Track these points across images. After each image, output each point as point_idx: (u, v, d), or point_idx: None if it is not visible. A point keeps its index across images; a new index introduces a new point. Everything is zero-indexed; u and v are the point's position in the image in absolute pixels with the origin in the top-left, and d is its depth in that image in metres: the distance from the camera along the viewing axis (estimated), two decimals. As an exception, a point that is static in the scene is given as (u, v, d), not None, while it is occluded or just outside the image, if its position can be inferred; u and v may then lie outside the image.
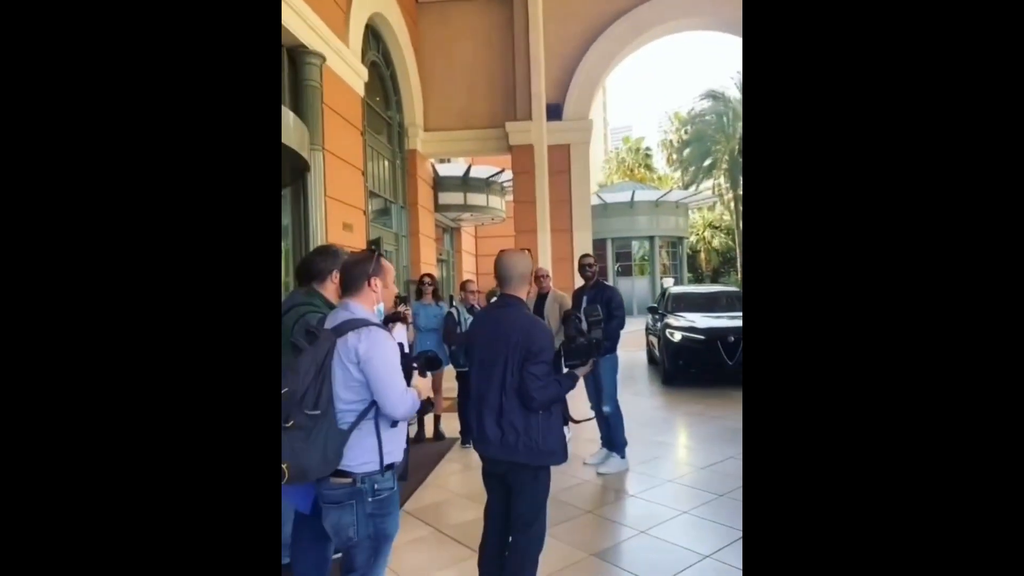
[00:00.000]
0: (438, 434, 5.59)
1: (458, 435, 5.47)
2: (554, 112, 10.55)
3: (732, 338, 7.49)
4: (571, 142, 10.77)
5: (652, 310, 9.89)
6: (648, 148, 41.90)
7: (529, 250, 2.71)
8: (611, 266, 25.35)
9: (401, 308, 2.19)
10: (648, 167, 40.80)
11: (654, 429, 5.73)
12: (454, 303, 5.50)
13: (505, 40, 10.62)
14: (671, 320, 8.28)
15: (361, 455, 1.85)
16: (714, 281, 30.86)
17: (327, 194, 6.55)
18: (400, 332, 2.06)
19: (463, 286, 5.62)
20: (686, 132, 35.78)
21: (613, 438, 4.56)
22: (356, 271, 1.98)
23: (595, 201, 21.45)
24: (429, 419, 5.64)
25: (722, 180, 32.40)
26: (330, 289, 2.49)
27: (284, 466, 1.72)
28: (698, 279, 32.33)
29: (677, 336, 7.90)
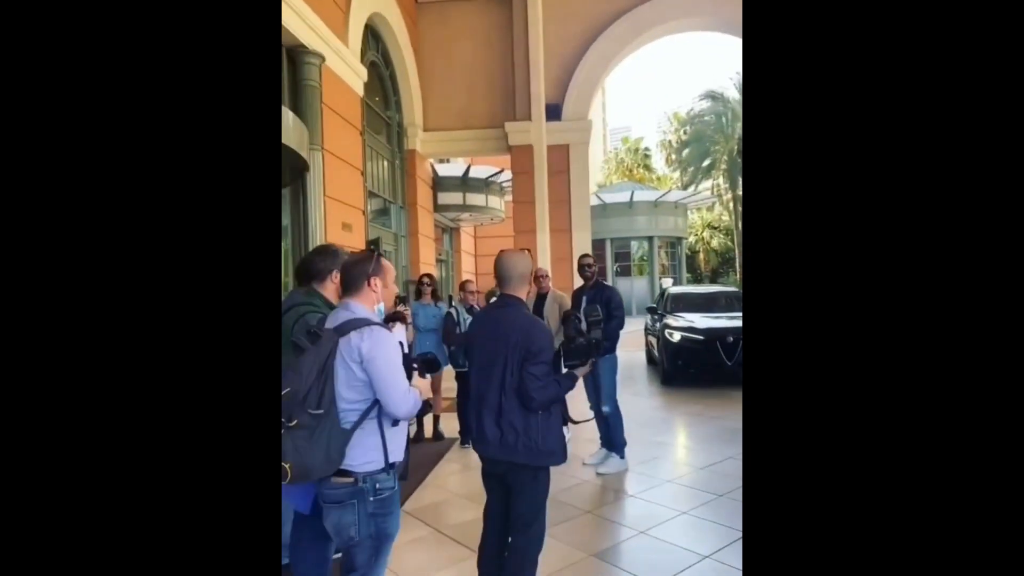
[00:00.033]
0: (437, 434, 5.59)
1: (457, 435, 5.47)
2: (553, 112, 10.55)
3: (731, 338, 7.50)
4: (570, 142, 10.77)
5: (651, 310, 9.90)
6: (647, 148, 41.94)
7: (529, 250, 2.71)
8: (610, 266, 25.37)
9: (400, 308, 2.19)
10: (647, 167, 40.83)
11: (653, 429, 5.74)
12: (453, 303, 5.50)
13: (504, 40, 10.62)
14: (670, 320, 8.28)
15: (364, 454, 1.85)
16: (713, 281, 30.88)
17: (326, 194, 6.54)
18: (399, 332, 2.06)
19: (462, 286, 5.62)
20: (685, 132, 35.82)
21: (612, 438, 4.56)
22: (356, 271, 1.98)
23: (594, 201, 21.46)
24: (428, 419, 5.63)
25: (721, 180, 32.43)
26: (330, 289, 2.49)
27: (287, 466, 1.73)
28: (697, 279, 32.35)
29: (676, 336, 7.90)
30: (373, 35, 9.15)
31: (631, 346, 10.65)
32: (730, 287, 13.34)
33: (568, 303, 4.94)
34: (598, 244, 22.37)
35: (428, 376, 2.05)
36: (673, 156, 37.34)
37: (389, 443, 1.89)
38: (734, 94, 31.22)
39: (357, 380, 1.83)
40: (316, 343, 1.89)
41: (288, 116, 5.40)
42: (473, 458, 2.98)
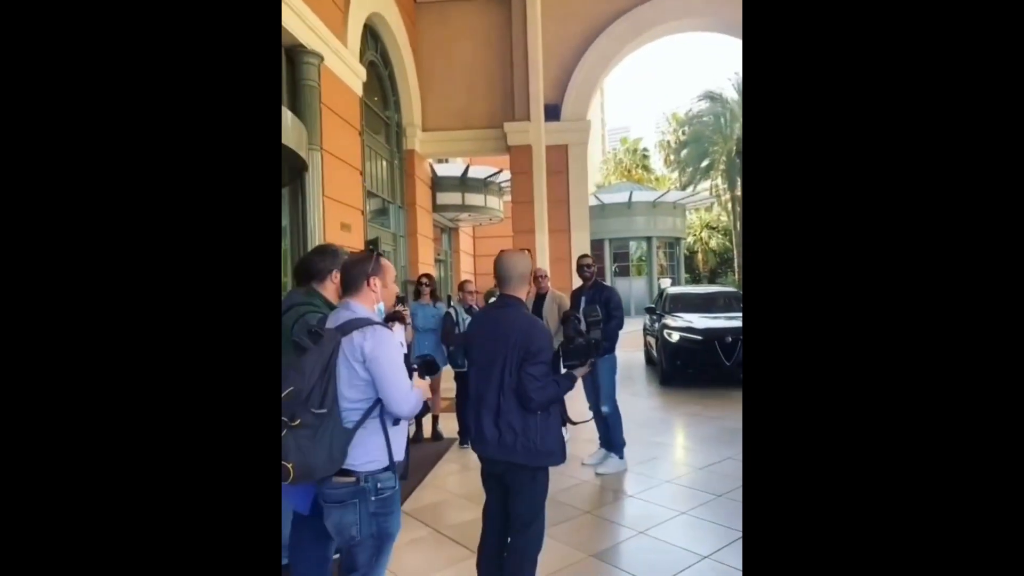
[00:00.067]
0: (436, 434, 5.59)
1: (456, 435, 5.47)
2: (552, 113, 10.55)
3: (730, 338, 7.50)
4: (569, 143, 10.77)
5: (650, 311, 9.90)
6: (646, 149, 41.98)
7: (528, 250, 2.71)
8: (609, 266, 25.37)
9: (399, 308, 2.19)
10: (646, 168, 40.86)
11: (652, 429, 5.74)
12: (452, 303, 5.50)
13: (504, 40, 10.62)
14: (669, 321, 8.28)
15: (366, 454, 1.86)
16: (711, 282, 30.91)
17: (325, 194, 6.54)
18: (399, 332, 2.06)
19: (461, 286, 5.62)
20: (684, 133, 35.88)
21: (611, 438, 4.56)
22: (356, 271, 1.99)
23: (593, 202, 21.48)
24: (427, 419, 5.63)
25: (719, 181, 32.49)
26: (329, 289, 2.49)
27: (290, 465, 1.73)
28: (695, 280, 32.38)
29: (675, 336, 7.91)
30: (372, 35, 9.14)
31: (630, 346, 10.66)
32: (728, 287, 13.36)
33: (567, 303, 4.94)
34: (597, 244, 22.39)
35: (427, 378, 2.06)
36: (671, 157, 37.40)
37: (391, 442, 1.89)
38: (733, 95, 31.29)
39: (359, 379, 1.83)
40: (318, 342, 1.89)
41: (287, 116, 5.39)
42: (472, 458, 2.98)
